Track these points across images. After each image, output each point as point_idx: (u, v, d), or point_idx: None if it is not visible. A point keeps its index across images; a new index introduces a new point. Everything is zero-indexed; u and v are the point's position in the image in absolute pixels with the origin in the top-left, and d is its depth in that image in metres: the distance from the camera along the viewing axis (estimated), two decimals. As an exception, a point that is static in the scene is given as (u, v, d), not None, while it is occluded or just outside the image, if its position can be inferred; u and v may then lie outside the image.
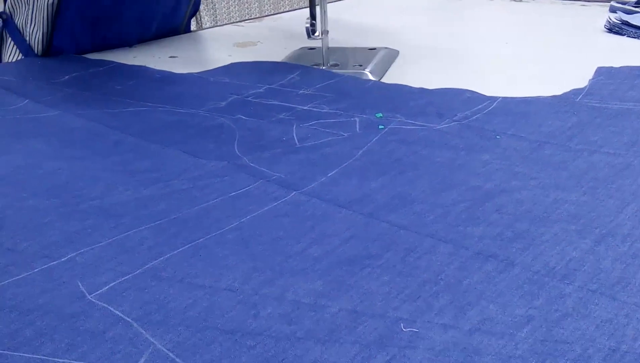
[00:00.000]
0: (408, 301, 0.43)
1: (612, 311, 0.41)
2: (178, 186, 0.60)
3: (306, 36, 0.97)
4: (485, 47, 1.10)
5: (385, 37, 1.20)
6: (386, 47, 1.09)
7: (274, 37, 1.22)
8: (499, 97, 0.80)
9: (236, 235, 0.52)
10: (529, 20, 1.34)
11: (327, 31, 1.00)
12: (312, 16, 0.98)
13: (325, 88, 0.88)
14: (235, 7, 3.09)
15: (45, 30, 1.09)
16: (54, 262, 0.49)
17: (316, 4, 1.00)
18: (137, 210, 0.56)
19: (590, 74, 0.88)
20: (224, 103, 0.83)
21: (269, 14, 1.78)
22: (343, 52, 1.07)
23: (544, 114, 0.75)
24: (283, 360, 0.38)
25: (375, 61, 1.01)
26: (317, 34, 0.99)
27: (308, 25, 0.98)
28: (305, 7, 1.48)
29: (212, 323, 0.41)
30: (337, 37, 1.21)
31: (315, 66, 1.00)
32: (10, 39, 1.15)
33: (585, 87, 0.83)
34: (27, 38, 1.11)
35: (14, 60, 1.13)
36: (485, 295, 0.43)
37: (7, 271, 0.47)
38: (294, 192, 0.58)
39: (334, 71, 0.98)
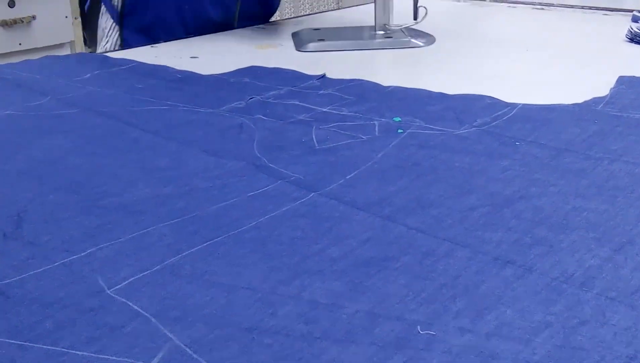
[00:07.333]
0: (425, 305, 0.43)
1: (631, 319, 0.41)
2: (197, 184, 0.61)
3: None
4: (507, 54, 1.10)
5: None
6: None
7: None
8: (520, 103, 0.80)
9: (254, 234, 0.52)
10: (551, 27, 1.33)
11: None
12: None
13: (344, 90, 0.88)
14: (255, 10, 3.09)
15: None
16: (74, 256, 0.49)
17: None
18: (156, 207, 0.56)
19: (611, 82, 0.88)
20: (243, 104, 0.84)
21: (290, 17, 1.79)
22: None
23: (564, 122, 0.74)
24: (300, 359, 0.38)
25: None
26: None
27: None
28: (326, 11, 1.48)
29: (230, 321, 0.42)
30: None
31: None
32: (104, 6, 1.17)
33: (607, 95, 0.83)
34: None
35: (109, 46, 1.16)
36: (502, 300, 0.43)
37: (28, 265, 0.48)
38: (313, 193, 0.59)
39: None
